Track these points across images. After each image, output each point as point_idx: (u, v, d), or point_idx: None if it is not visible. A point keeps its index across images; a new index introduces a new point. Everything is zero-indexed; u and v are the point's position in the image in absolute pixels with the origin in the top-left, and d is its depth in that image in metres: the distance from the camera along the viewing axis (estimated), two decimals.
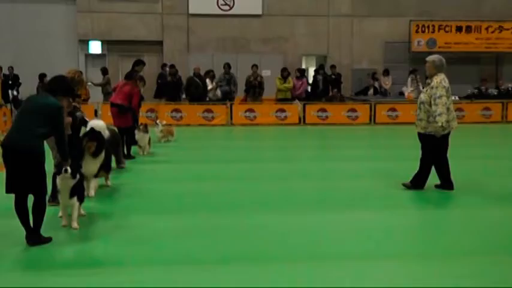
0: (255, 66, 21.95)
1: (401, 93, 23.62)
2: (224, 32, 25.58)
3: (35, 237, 6.47)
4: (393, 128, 19.98)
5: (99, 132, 9.07)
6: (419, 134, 9.44)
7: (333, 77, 23.32)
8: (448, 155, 9.44)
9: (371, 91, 24.11)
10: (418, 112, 9.36)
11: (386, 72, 24.43)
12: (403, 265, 5.96)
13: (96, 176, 9.02)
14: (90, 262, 6.06)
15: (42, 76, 21.60)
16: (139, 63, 13.64)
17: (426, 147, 9.38)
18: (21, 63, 23.35)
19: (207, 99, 21.75)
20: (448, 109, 9.06)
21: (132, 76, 13.09)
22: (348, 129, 19.90)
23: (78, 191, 7.15)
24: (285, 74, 21.65)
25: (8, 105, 20.96)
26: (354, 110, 21.40)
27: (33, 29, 24.84)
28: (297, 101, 21.59)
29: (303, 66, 25.54)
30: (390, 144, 15.74)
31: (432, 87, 9.11)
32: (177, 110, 21.02)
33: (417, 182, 9.49)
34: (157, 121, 16.51)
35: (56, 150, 7.05)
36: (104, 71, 22.62)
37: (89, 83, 22.95)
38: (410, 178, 9.56)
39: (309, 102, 21.77)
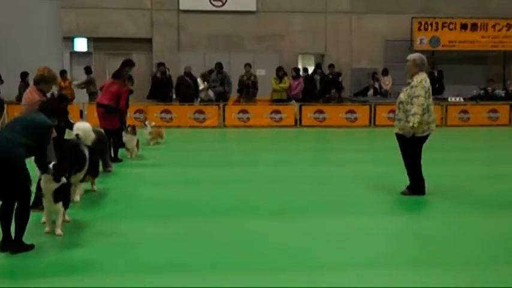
0: (248, 65, 22.00)
1: None
2: (216, 29, 25.63)
3: (16, 245, 6.48)
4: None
5: (75, 149, 8.89)
6: (397, 135, 9.53)
7: (331, 76, 23.41)
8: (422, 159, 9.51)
9: (371, 92, 24.21)
10: (397, 112, 9.47)
11: (386, 72, 24.51)
12: (404, 274, 5.99)
13: (82, 180, 9.02)
14: (75, 270, 6.05)
15: (24, 75, 21.61)
16: (129, 63, 13.62)
17: (406, 148, 9.47)
18: (1, 62, 23.32)
19: (199, 99, 21.79)
20: (428, 110, 9.18)
21: (121, 75, 13.07)
22: (346, 131, 19.98)
23: (63, 196, 7.15)
24: (280, 73, 21.70)
25: None
26: (352, 112, 21.48)
27: (14, 26, 24.79)
28: (293, 101, 21.65)
29: (299, 65, 25.60)
30: (391, 147, 15.64)
31: (412, 87, 9.21)
32: (166, 111, 21.04)
33: (417, 188, 9.53)
34: (146, 122, 16.53)
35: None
36: (88, 70, 22.64)
37: (74, 82, 22.98)
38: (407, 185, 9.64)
39: (306, 103, 21.82)
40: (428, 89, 9.24)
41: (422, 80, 9.19)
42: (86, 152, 8.98)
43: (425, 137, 9.37)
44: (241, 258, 6.37)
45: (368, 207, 8.87)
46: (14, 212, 6.51)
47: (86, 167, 8.93)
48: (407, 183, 9.64)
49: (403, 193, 9.56)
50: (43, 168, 6.88)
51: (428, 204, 9.15)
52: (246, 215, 8.34)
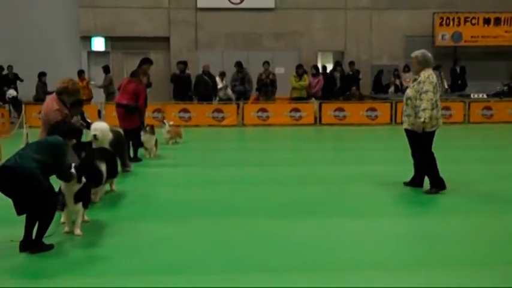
0: (266, 63, 22.04)
1: None
2: (234, 27, 25.71)
3: (36, 245, 6.61)
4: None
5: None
6: (407, 130, 9.74)
7: (351, 74, 23.38)
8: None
9: (392, 89, 24.14)
10: (405, 108, 9.67)
11: (407, 69, 24.42)
12: (415, 274, 6.01)
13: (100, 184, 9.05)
14: (93, 270, 6.15)
15: (41, 75, 21.85)
16: (147, 62, 13.71)
17: (416, 143, 9.66)
18: (20, 62, 23.56)
19: (217, 98, 21.89)
20: (436, 105, 9.37)
21: (137, 73, 13.16)
22: (367, 129, 19.94)
23: (83, 197, 7.28)
24: (300, 71, 21.73)
25: (6, 106, 21.17)
26: (373, 109, 21.46)
27: (33, 26, 25.06)
28: (313, 99, 21.67)
29: (319, 63, 25.61)
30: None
31: (420, 82, 9.41)
32: (185, 110, 21.16)
33: (435, 183, 9.65)
34: (165, 121, 16.62)
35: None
36: (106, 70, 22.82)
37: (92, 82, 23.17)
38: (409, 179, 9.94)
39: (326, 101, 21.83)
40: (436, 84, 9.45)
41: (429, 75, 9.40)
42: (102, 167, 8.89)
43: (434, 132, 9.58)
44: (258, 259, 6.41)
45: (385, 208, 8.88)
46: (40, 214, 6.61)
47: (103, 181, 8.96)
48: (426, 183, 9.69)
49: (427, 193, 9.61)
50: (67, 179, 6.99)
51: (447, 204, 9.11)
52: (264, 215, 8.38)
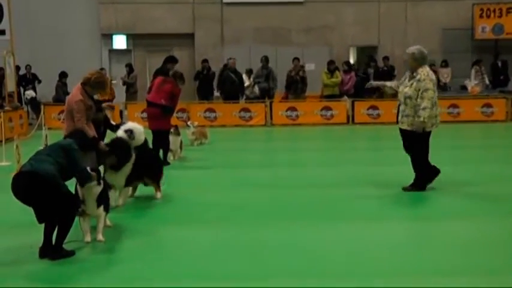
0: (296, 59, 22.00)
1: (464, 88, 23.38)
2: (262, 21, 25.68)
3: (56, 251, 6.64)
4: (454, 126, 19.77)
5: (124, 142, 8.95)
6: (404, 131, 9.77)
7: (386, 69, 23.21)
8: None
9: None
10: (403, 108, 9.65)
11: (445, 64, 24.19)
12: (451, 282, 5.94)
13: (128, 184, 9.08)
14: (116, 279, 6.16)
15: (62, 75, 22.05)
16: (171, 60, 13.70)
17: (414, 144, 9.73)
18: (39, 61, 23.81)
19: (244, 97, 21.89)
20: (435, 103, 9.47)
21: (173, 73, 13.02)
22: None
23: (103, 200, 7.29)
24: (331, 67, 21.64)
25: (25, 107, 21.40)
26: None
27: (52, 24, 25.29)
28: (345, 97, 21.56)
29: (351, 59, 25.50)
30: (450, 146, 15.59)
31: (419, 80, 9.44)
32: (210, 110, 21.21)
33: (419, 184, 9.86)
34: (189, 122, 16.64)
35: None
36: (131, 68, 22.96)
37: (114, 81, 23.32)
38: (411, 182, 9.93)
39: (359, 98, 21.70)
40: (435, 82, 9.58)
41: (428, 72, 9.51)
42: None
43: (431, 131, 9.69)
44: (289, 265, 6.38)
45: (419, 210, 8.82)
46: (59, 218, 6.66)
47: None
48: (470, 183, 9.60)
49: (405, 189, 9.84)
50: (86, 179, 6.99)
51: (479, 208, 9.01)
52: (296, 220, 8.34)
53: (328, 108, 21.22)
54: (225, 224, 8.14)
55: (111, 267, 6.54)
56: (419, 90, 9.39)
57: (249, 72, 22.05)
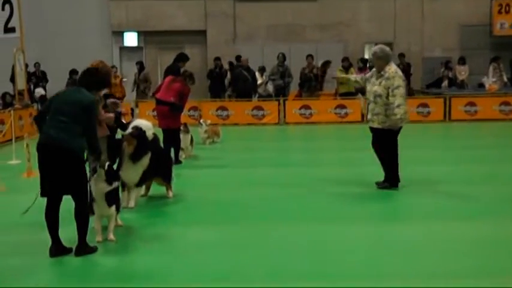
0: (310, 56, 22.00)
1: (481, 85, 23.28)
2: (275, 18, 25.72)
3: (80, 247, 6.78)
4: (471, 125, 19.73)
5: (144, 132, 9.02)
6: (375, 129, 9.93)
7: (401, 67, 23.14)
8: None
9: (445, 83, 23.84)
10: (373, 106, 9.84)
11: (462, 61, 24.11)
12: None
13: (138, 185, 9.09)
14: (128, 278, 6.23)
15: (72, 72, 22.16)
16: (183, 58, 13.76)
17: (386, 142, 9.91)
18: (49, 59, 23.94)
19: (257, 95, 21.92)
20: (405, 100, 9.69)
21: (182, 73, 13.12)
22: (418, 126, 19.69)
23: (115, 199, 7.36)
24: (346, 64, 21.61)
25: (35, 105, 21.52)
26: (425, 105, 21.21)
27: (62, 21, 25.43)
28: (359, 95, 21.54)
29: (366, 56, 25.47)
30: (468, 145, 15.57)
31: (388, 78, 9.62)
32: (223, 108, 21.25)
33: (391, 181, 10.05)
34: (201, 121, 16.68)
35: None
36: (142, 66, 23.03)
37: (125, 79, 23.42)
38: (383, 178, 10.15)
39: None
40: (404, 77, 9.84)
41: (396, 70, 9.73)
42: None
43: (400, 128, 9.90)
44: (303, 266, 6.43)
45: (434, 212, 8.81)
46: (74, 213, 6.78)
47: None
48: (488, 182, 9.65)
49: (379, 187, 10.05)
50: (95, 151, 6.99)
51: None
52: (308, 220, 8.38)
53: (342, 107, 21.18)
54: (237, 224, 8.19)
55: (122, 266, 6.61)
56: (388, 88, 9.59)
57: (262, 70, 22.09)
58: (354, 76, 11.31)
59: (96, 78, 7.15)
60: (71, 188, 6.69)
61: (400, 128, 9.89)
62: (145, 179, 9.16)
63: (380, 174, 10.16)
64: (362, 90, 21.65)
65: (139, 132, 8.89)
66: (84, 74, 7.18)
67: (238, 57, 22.42)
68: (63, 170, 6.59)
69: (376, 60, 9.90)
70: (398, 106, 9.50)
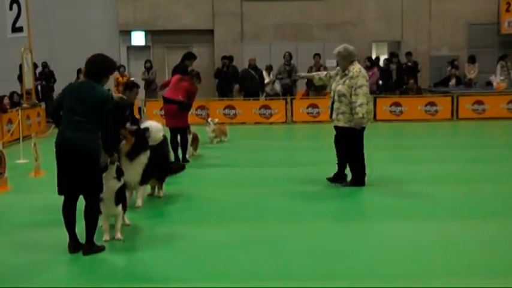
0: (317, 55, 21.97)
1: (489, 84, 23.19)
2: (282, 17, 25.68)
3: (87, 246, 6.79)
4: (479, 123, 19.65)
5: (144, 130, 9.00)
6: (341, 128, 10.02)
7: (409, 65, 23.10)
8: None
9: (453, 81, 23.75)
10: (338, 105, 9.92)
11: (470, 60, 24.01)
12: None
13: (142, 183, 9.05)
14: (136, 277, 6.23)
15: (79, 71, 22.14)
16: (190, 57, 13.75)
17: (351, 141, 9.99)
18: (56, 58, 23.96)
19: (264, 94, 21.90)
20: (369, 99, 9.84)
21: (190, 72, 13.14)
22: (426, 125, 19.70)
23: (122, 198, 7.36)
24: None
25: (43, 105, 21.52)
26: (433, 104, 21.14)
27: (69, 20, 25.44)
28: None
29: (373, 55, 25.40)
30: (475, 144, 15.53)
31: (352, 77, 9.74)
32: (230, 107, 21.23)
33: (358, 179, 10.13)
34: (209, 120, 16.66)
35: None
36: (151, 65, 23.05)
37: (132, 78, 23.42)
38: (350, 178, 10.29)
39: (381, 95, 21.63)
40: (367, 77, 9.95)
41: (360, 69, 9.87)
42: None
43: (365, 127, 9.99)
44: (313, 265, 6.42)
45: (454, 209, 8.79)
46: (84, 212, 6.79)
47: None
48: (494, 181, 9.68)
49: (344, 185, 10.13)
50: (109, 148, 7.00)
51: None
52: (317, 218, 8.37)
53: None
54: (244, 223, 8.19)
55: (131, 265, 6.61)
56: (352, 87, 9.70)
57: (269, 69, 22.05)
58: (317, 73, 11.33)
59: (102, 64, 6.99)
60: (86, 187, 6.72)
61: (364, 127, 9.98)
62: (148, 177, 9.13)
63: (390, 173, 10.14)
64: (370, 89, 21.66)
65: (137, 129, 8.87)
66: (90, 64, 6.99)
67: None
68: (80, 169, 6.62)
69: (341, 60, 10.05)
70: (360, 105, 9.63)
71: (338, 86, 9.94)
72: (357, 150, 10.05)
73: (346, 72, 9.88)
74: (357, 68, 9.86)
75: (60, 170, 6.73)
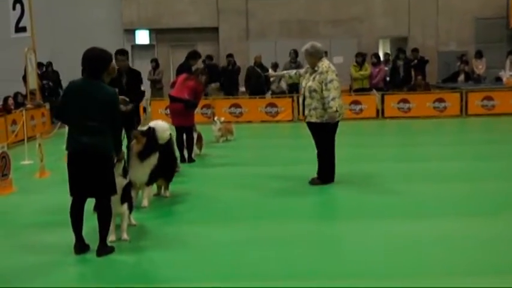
0: (324, 52, 21.92)
1: (499, 79, 23.12)
2: (288, 14, 25.67)
3: (102, 247, 6.82)
4: (489, 120, 19.61)
5: (154, 131, 9.03)
6: (313, 124, 10.13)
7: (416, 61, 23.06)
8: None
9: (461, 77, 23.70)
10: (310, 102, 10.03)
11: (478, 55, 23.96)
12: None
13: (148, 184, 9.09)
14: (143, 278, 6.26)
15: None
16: (194, 56, 13.79)
17: (323, 136, 10.13)
18: (60, 58, 23.98)
19: (270, 92, 21.91)
20: (340, 94, 9.94)
21: (195, 71, 13.23)
22: (434, 122, 19.67)
23: (127, 197, 7.39)
24: (359, 59, 21.57)
25: (47, 105, 21.57)
26: (441, 100, 21.10)
27: (73, 19, 25.49)
28: (374, 91, 21.47)
29: (380, 51, 25.38)
30: (485, 140, 15.52)
31: (321, 73, 9.90)
32: (236, 105, 21.24)
33: (326, 176, 10.24)
34: (215, 118, 16.68)
35: None
36: (156, 64, 23.09)
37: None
38: (316, 175, 10.38)
39: (388, 92, 21.61)
40: (336, 72, 10.14)
41: (329, 64, 10.06)
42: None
43: (338, 123, 10.18)
44: (321, 266, 6.45)
45: (467, 207, 8.80)
46: (98, 212, 6.86)
47: None
48: (504, 177, 9.64)
49: (313, 183, 10.24)
50: (119, 144, 7.05)
51: None
52: (325, 217, 8.41)
53: (357, 103, 21.12)
54: (250, 223, 8.21)
55: (137, 266, 6.64)
56: (322, 82, 9.84)
57: (275, 66, 22.04)
58: (287, 72, 11.47)
59: (100, 61, 6.92)
60: (102, 189, 6.75)
61: (337, 122, 10.11)
62: (155, 178, 9.18)
63: (397, 170, 10.13)
64: (377, 86, 21.67)
65: (149, 130, 8.89)
66: (89, 61, 6.93)
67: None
68: (98, 173, 6.66)
69: (309, 57, 10.18)
70: (333, 99, 9.78)
71: (308, 82, 10.08)
72: (328, 146, 10.21)
73: (316, 68, 10.04)
74: (325, 63, 10.05)
75: (75, 175, 6.71)
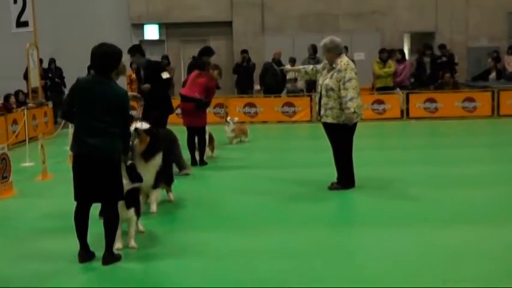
0: (344, 48, 21.86)
1: None
2: (307, 7, 25.65)
3: (109, 256, 6.82)
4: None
5: (157, 129, 9.06)
6: (329, 125, 10.00)
7: (444, 58, 22.96)
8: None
9: (493, 75, 23.57)
10: (326, 101, 9.89)
11: (511, 50, 23.81)
12: None
13: (155, 187, 9.10)
14: (151, 286, 6.27)
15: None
16: (207, 52, 13.80)
17: (340, 138, 10.02)
18: (64, 54, 24.08)
19: (286, 90, 21.88)
20: (359, 93, 9.79)
21: (205, 66, 13.22)
22: (463, 123, 19.61)
23: (134, 202, 7.38)
24: (384, 56, 21.49)
25: (50, 104, 21.67)
26: (471, 100, 21.01)
27: (78, 13, 25.59)
28: (397, 89, 21.41)
29: (405, 47, 25.29)
30: None
31: (339, 71, 9.74)
32: (250, 105, 21.24)
33: (346, 181, 10.16)
34: (228, 118, 16.67)
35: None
36: (167, 60, 23.12)
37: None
38: (336, 180, 10.30)
39: (414, 91, 21.54)
40: (356, 70, 9.93)
41: (348, 62, 9.88)
42: None
43: (356, 124, 10.03)
44: (336, 275, 6.45)
45: (493, 214, 8.74)
46: (104, 219, 6.86)
47: None
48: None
49: (332, 188, 10.16)
50: (128, 146, 7.11)
51: None
52: (340, 225, 8.39)
53: (380, 102, 21.07)
54: (268, 229, 8.20)
55: (145, 275, 6.65)
56: (340, 81, 9.71)
57: (293, 61, 21.94)
58: (303, 67, 11.31)
59: (110, 58, 6.91)
60: (109, 194, 6.76)
61: (355, 124, 9.99)
62: (161, 180, 9.17)
63: (424, 174, 10.08)
64: (401, 85, 21.60)
65: (152, 128, 8.87)
66: (99, 57, 6.93)
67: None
68: (106, 177, 6.67)
69: (327, 53, 10.02)
70: (351, 99, 9.64)
71: (325, 80, 9.96)
72: (345, 149, 10.11)
73: (334, 65, 9.91)
74: (344, 60, 9.90)
75: (80, 179, 6.71)
